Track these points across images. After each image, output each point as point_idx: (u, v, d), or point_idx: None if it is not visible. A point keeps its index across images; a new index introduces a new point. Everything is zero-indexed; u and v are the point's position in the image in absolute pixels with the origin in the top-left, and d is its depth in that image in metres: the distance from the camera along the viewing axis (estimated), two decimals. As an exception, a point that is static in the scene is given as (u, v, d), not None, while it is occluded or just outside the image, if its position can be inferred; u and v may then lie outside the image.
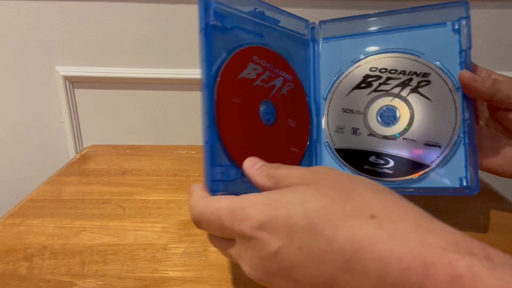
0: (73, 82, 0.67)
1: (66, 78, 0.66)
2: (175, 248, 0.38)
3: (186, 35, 0.64)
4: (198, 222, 0.27)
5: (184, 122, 0.70)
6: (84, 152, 0.63)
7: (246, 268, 0.25)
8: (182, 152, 0.63)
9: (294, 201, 0.22)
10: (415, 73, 0.38)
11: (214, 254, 0.37)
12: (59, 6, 0.62)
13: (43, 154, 0.72)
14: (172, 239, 0.40)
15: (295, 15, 0.40)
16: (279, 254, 0.22)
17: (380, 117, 0.39)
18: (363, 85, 0.39)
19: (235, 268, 0.36)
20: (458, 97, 0.36)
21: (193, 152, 0.63)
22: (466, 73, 0.36)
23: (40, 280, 0.34)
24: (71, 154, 0.71)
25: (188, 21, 0.63)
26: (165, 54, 0.65)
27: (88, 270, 0.35)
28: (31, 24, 0.63)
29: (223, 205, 0.25)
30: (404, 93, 0.38)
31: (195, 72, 0.66)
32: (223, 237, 0.26)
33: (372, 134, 0.39)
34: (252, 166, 0.29)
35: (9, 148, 0.71)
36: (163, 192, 0.49)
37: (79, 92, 0.68)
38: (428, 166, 0.36)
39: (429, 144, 0.36)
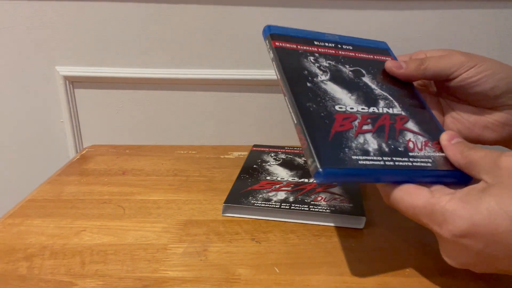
0: (73, 82, 0.67)
1: (66, 78, 0.66)
2: (175, 248, 0.38)
3: (186, 35, 0.64)
4: (392, 204, 0.30)
5: (184, 122, 0.70)
6: (84, 152, 0.63)
7: (443, 253, 0.28)
8: (182, 152, 0.63)
9: (494, 206, 0.24)
10: None
11: (214, 254, 0.37)
12: (59, 6, 0.62)
13: (43, 154, 0.72)
14: (172, 239, 0.40)
15: None
16: (482, 252, 0.24)
17: None
18: None
19: (235, 268, 0.36)
20: None
21: (193, 152, 0.63)
22: (389, 63, 0.40)
23: (40, 280, 0.34)
24: (71, 154, 0.71)
25: (188, 21, 0.63)
26: (165, 54, 0.65)
27: (88, 270, 0.35)
28: (31, 24, 0.63)
29: (419, 202, 0.27)
30: None
31: (195, 72, 0.66)
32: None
33: None
34: (450, 139, 0.31)
35: (9, 148, 0.71)
36: (163, 192, 0.49)
37: (79, 92, 0.68)
38: None
39: None
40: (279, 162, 0.49)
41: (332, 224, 0.42)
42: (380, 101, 0.37)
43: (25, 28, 0.63)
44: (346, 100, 0.35)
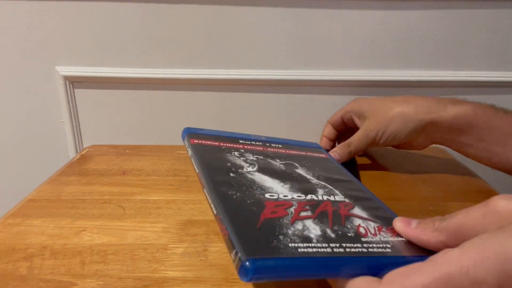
0: (73, 82, 0.67)
1: (66, 78, 0.66)
2: (175, 248, 0.38)
3: (186, 35, 0.64)
4: None
5: (184, 122, 0.70)
6: (84, 152, 0.63)
7: None
8: (182, 152, 0.63)
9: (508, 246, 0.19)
10: None
11: (214, 254, 0.37)
12: (59, 6, 0.62)
13: (43, 154, 0.72)
14: (172, 239, 0.40)
15: None
16: None
17: None
18: None
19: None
20: None
21: (193, 152, 0.63)
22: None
23: (40, 280, 0.34)
24: (71, 154, 0.71)
25: (188, 21, 0.63)
26: (165, 54, 0.65)
27: (88, 270, 0.35)
28: (31, 24, 0.63)
29: (428, 279, 0.20)
30: None
31: (195, 72, 0.66)
32: None
33: None
34: (406, 225, 0.27)
35: (9, 148, 0.71)
36: (163, 192, 0.49)
37: (79, 92, 0.68)
38: None
39: None
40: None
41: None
42: (318, 189, 0.33)
43: (25, 28, 0.63)
44: (278, 189, 0.30)
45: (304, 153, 0.41)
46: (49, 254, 0.37)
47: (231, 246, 0.22)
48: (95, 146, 0.65)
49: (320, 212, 0.28)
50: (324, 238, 0.25)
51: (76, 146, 0.71)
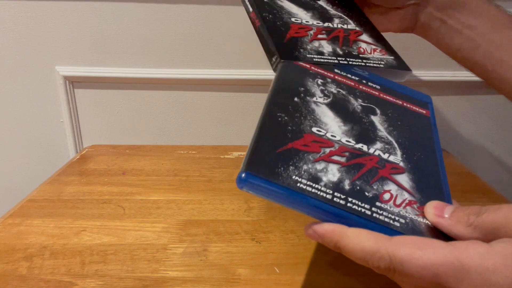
0: (73, 82, 0.67)
1: (66, 78, 0.66)
2: (175, 248, 0.38)
3: (186, 35, 0.64)
4: (393, 271, 0.21)
5: (184, 122, 0.70)
6: (84, 152, 0.63)
7: None
8: (182, 152, 0.63)
9: None
10: None
11: (214, 254, 0.37)
12: (59, 6, 0.62)
13: (43, 154, 0.72)
14: (172, 239, 0.40)
15: None
16: None
17: None
18: None
19: (235, 268, 0.36)
20: None
21: (193, 152, 0.63)
22: None
23: (40, 280, 0.34)
24: (71, 154, 0.71)
25: (188, 21, 0.63)
26: (165, 54, 0.65)
27: (88, 270, 0.35)
28: (31, 24, 0.63)
29: (439, 259, 0.19)
30: None
31: (195, 72, 0.66)
32: None
33: None
34: (439, 213, 0.24)
35: (9, 148, 0.71)
36: (163, 192, 0.49)
37: (79, 92, 0.68)
38: None
39: None
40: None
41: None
42: (378, 142, 0.30)
43: (25, 28, 0.63)
44: (332, 127, 0.29)
45: (400, 102, 0.35)
46: (49, 254, 0.37)
47: (246, 155, 0.24)
48: (95, 146, 0.65)
49: (355, 163, 0.27)
50: (335, 186, 0.24)
51: (76, 146, 0.71)
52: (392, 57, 0.38)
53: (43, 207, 0.46)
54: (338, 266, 0.36)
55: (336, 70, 0.35)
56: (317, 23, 0.39)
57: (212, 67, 0.66)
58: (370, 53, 0.37)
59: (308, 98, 0.31)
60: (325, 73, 0.34)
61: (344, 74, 0.35)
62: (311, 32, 0.37)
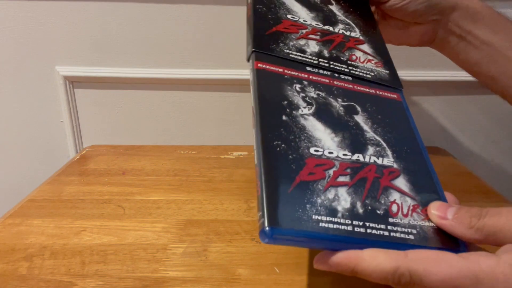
0: (73, 82, 0.67)
1: (66, 78, 0.66)
2: (175, 248, 0.38)
3: (186, 35, 0.64)
4: (413, 285, 0.22)
5: (184, 122, 0.70)
6: (84, 152, 0.63)
7: None
8: (182, 152, 0.63)
9: None
10: None
11: (214, 254, 0.37)
12: (59, 6, 0.62)
13: (43, 154, 0.72)
14: (172, 239, 0.40)
15: None
16: None
17: None
18: None
19: (235, 268, 0.36)
20: None
21: (193, 152, 0.63)
22: None
23: (40, 280, 0.34)
24: (71, 154, 0.71)
25: (188, 21, 0.63)
26: (165, 54, 0.65)
27: (88, 270, 0.35)
28: (31, 24, 0.63)
29: (455, 273, 0.21)
30: None
31: (195, 72, 0.66)
32: None
33: None
34: (443, 216, 0.25)
35: (9, 148, 0.71)
36: (163, 192, 0.49)
37: (79, 92, 0.68)
38: None
39: None
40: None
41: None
42: (369, 147, 0.31)
43: (25, 28, 0.63)
44: (326, 142, 0.30)
45: (373, 91, 0.36)
46: (49, 254, 0.37)
47: (259, 207, 0.24)
48: (95, 146, 0.65)
49: (359, 180, 0.28)
50: (351, 213, 0.25)
51: (76, 146, 0.71)
52: (386, 72, 0.37)
53: (43, 207, 0.46)
54: (338, 266, 0.36)
55: (308, 68, 0.35)
56: (315, 24, 0.38)
57: (212, 67, 0.66)
58: (362, 62, 0.36)
59: (294, 112, 0.31)
60: (299, 74, 0.34)
61: (316, 71, 0.35)
62: (304, 31, 0.36)
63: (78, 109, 0.69)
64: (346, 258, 0.23)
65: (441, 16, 0.42)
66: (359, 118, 0.33)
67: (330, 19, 0.39)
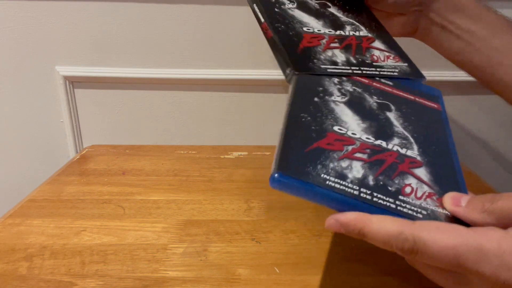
0: (73, 82, 0.67)
1: (66, 78, 0.66)
2: (175, 248, 0.38)
3: (186, 35, 0.64)
4: (416, 252, 0.22)
5: (184, 122, 0.70)
6: (84, 152, 0.63)
7: None
8: (182, 152, 0.63)
9: None
10: None
11: (214, 254, 0.37)
12: (59, 6, 0.62)
13: (43, 154, 0.72)
14: (172, 239, 0.40)
15: None
16: None
17: None
18: None
19: (235, 268, 0.36)
20: None
21: (193, 152, 0.63)
22: None
23: (40, 280, 0.34)
24: (71, 154, 0.71)
25: (188, 21, 0.63)
26: (165, 54, 0.65)
27: (88, 270, 0.35)
28: (31, 24, 0.63)
29: (460, 242, 0.21)
30: None
31: (195, 72, 0.66)
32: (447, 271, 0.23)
33: None
34: (457, 204, 0.25)
35: (9, 148, 0.71)
36: (163, 192, 0.49)
37: (79, 92, 0.68)
38: None
39: None
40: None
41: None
42: (395, 138, 0.31)
43: (25, 28, 0.63)
44: (352, 125, 0.30)
45: (412, 97, 0.36)
46: (49, 254, 0.37)
47: (274, 158, 0.25)
48: (95, 146, 0.65)
49: (376, 160, 0.28)
50: (361, 182, 0.26)
51: (76, 146, 0.71)
52: (405, 64, 0.37)
53: (43, 207, 0.46)
54: (338, 266, 0.36)
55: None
56: (329, 31, 0.38)
57: (212, 67, 0.66)
58: (384, 61, 0.37)
59: (327, 97, 0.32)
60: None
61: (360, 72, 0.36)
62: (324, 41, 0.36)
63: (78, 109, 0.69)
64: (355, 219, 0.24)
65: (422, 6, 0.43)
66: (391, 115, 0.33)
67: (337, 23, 0.40)
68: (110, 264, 0.36)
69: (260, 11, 0.38)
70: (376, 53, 0.37)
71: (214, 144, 0.69)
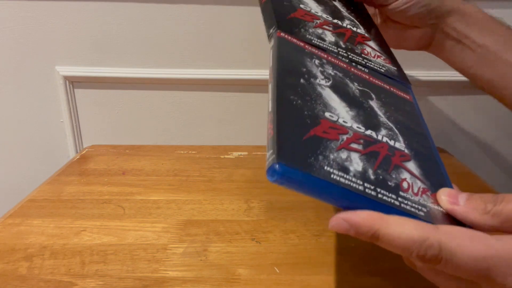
0: (73, 82, 0.67)
1: (66, 78, 0.66)
2: (175, 248, 0.38)
3: (186, 35, 0.64)
4: (440, 260, 0.20)
5: (184, 122, 0.70)
6: (84, 152, 0.63)
7: None
8: (182, 152, 0.63)
9: None
10: None
11: (214, 254, 0.37)
12: (59, 6, 0.62)
13: (43, 154, 0.72)
14: (172, 239, 0.40)
15: None
16: None
17: None
18: None
19: (235, 268, 0.36)
20: None
21: (193, 152, 0.63)
22: None
23: (40, 280, 0.34)
24: (71, 154, 0.71)
25: (188, 21, 0.63)
26: (165, 54, 0.65)
27: (88, 270, 0.35)
28: (31, 24, 0.63)
29: (492, 253, 0.20)
30: None
31: (195, 72, 0.66)
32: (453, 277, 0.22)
33: None
34: (454, 202, 0.24)
35: (9, 148, 0.71)
36: (163, 192, 0.49)
37: (79, 92, 0.68)
38: None
39: None
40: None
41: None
42: (382, 129, 0.30)
43: (25, 28, 0.63)
44: (341, 112, 0.28)
45: (388, 86, 0.36)
46: (49, 254, 0.37)
47: (270, 146, 0.22)
48: (95, 146, 0.65)
49: (371, 151, 0.26)
50: (362, 176, 0.24)
51: (76, 146, 0.71)
52: (395, 69, 0.37)
53: (43, 207, 0.46)
54: (338, 266, 0.36)
55: (328, 51, 0.35)
56: (326, 16, 0.38)
57: (212, 67, 0.66)
58: (374, 57, 0.37)
59: (312, 80, 0.30)
60: (320, 53, 0.34)
61: (335, 55, 0.35)
62: (318, 21, 0.36)
63: (78, 109, 0.69)
64: (369, 219, 0.21)
65: (438, 20, 0.43)
66: (374, 104, 0.32)
67: (337, 14, 0.40)
68: (110, 264, 0.36)
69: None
70: (368, 49, 0.37)
71: (214, 144, 0.69)
